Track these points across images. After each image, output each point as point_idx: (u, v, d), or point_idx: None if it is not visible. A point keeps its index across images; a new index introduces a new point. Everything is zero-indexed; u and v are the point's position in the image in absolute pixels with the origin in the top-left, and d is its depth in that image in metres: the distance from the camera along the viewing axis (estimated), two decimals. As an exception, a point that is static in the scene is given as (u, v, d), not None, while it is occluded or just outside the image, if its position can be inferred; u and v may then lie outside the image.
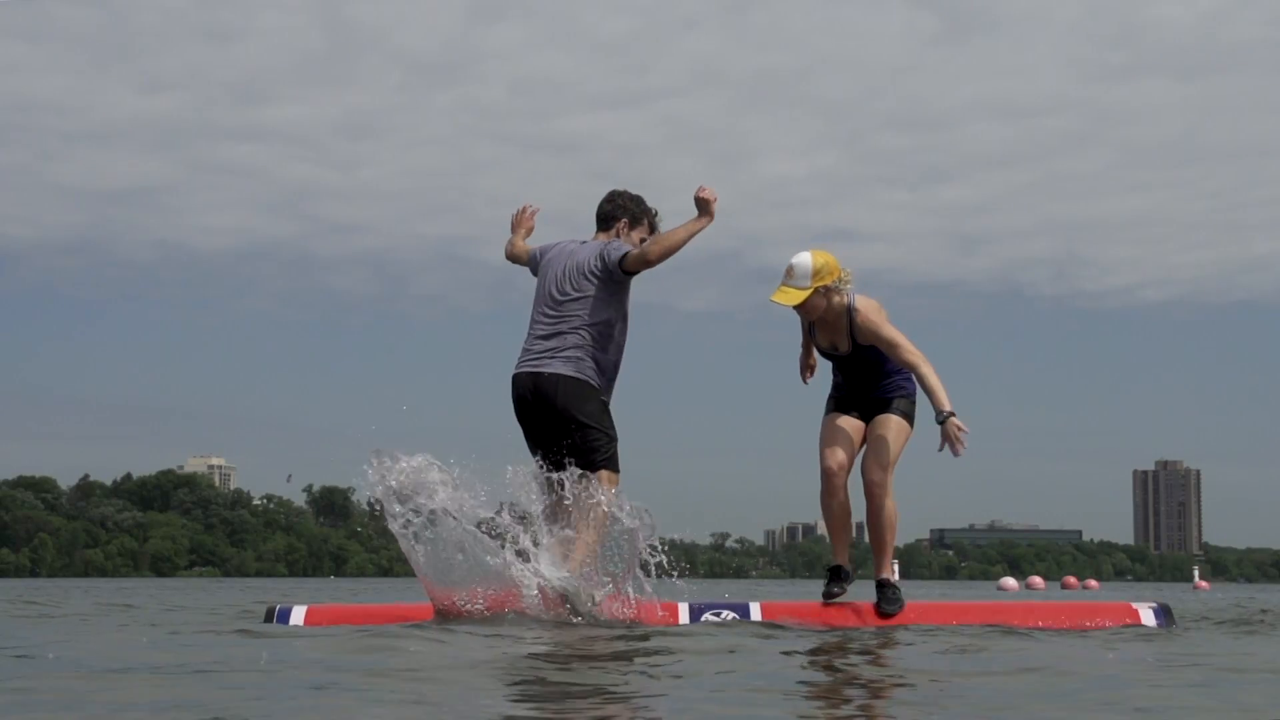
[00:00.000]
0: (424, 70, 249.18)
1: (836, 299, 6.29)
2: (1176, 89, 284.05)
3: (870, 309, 6.29)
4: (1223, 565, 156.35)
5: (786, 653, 4.87)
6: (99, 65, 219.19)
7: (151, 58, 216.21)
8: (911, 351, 6.17)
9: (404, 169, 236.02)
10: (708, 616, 6.25)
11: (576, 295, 6.26)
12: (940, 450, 6.04)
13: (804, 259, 6.25)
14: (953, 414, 6.01)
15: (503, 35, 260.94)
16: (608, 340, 6.28)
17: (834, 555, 6.51)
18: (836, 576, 6.38)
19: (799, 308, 6.32)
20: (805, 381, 6.77)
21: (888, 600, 6.28)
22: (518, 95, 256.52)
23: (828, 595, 6.34)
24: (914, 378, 6.25)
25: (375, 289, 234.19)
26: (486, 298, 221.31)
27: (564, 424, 6.11)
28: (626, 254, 6.23)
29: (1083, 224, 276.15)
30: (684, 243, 6.20)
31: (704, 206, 6.19)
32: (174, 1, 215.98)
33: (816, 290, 6.23)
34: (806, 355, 6.78)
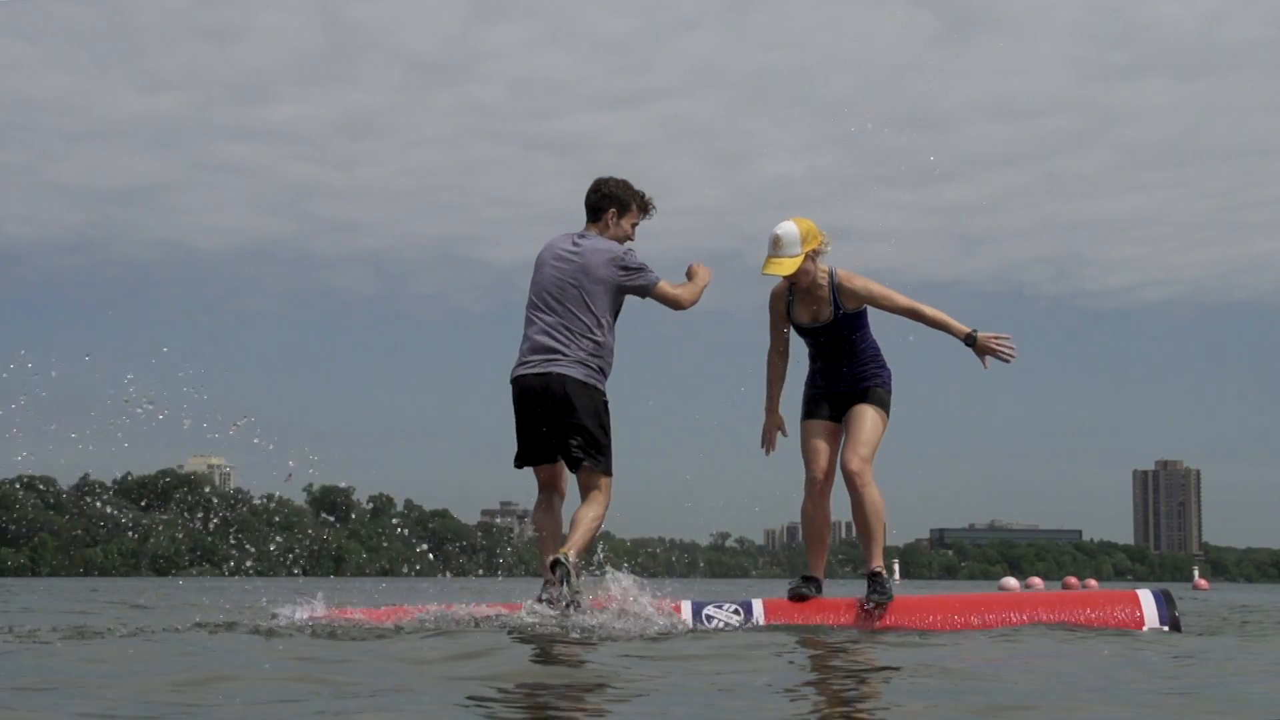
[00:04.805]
0: (424, 70, 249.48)
1: (820, 264, 6.37)
2: (1176, 89, 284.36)
3: (852, 273, 6.38)
4: (1223, 565, 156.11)
5: (786, 652, 4.87)
6: (99, 65, 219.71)
7: (151, 58, 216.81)
8: (904, 297, 6.32)
9: (404, 169, 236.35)
10: (709, 611, 6.24)
11: (583, 296, 6.32)
12: (987, 368, 6.22)
13: (789, 227, 6.31)
14: (975, 330, 6.21)
15: (503, 35, 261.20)
16: (607, 339, 6.39)
17: (809, 567, 6.45)
18: (807, 581, 6.36)
19: (791, 276, 6.35)
20: (768, 453, 6.71)
21: (877, 592, 6.23)
22: (518, 95, 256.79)
23: (794, 594, 6.29)
24: (920, 323, 6.35)
25: (375, 289, 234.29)
26: (486, 297, 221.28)
27: (568, 429, 6.22)
28: (658, 286, 6.42)
29: (1083, 224, 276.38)
30: (702, 293, 6.59)
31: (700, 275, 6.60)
32: (174, 1, 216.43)
33: (806, 255, 6.30)
34: (773, 410, 6.70)
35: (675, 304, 6.49)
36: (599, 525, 6.27)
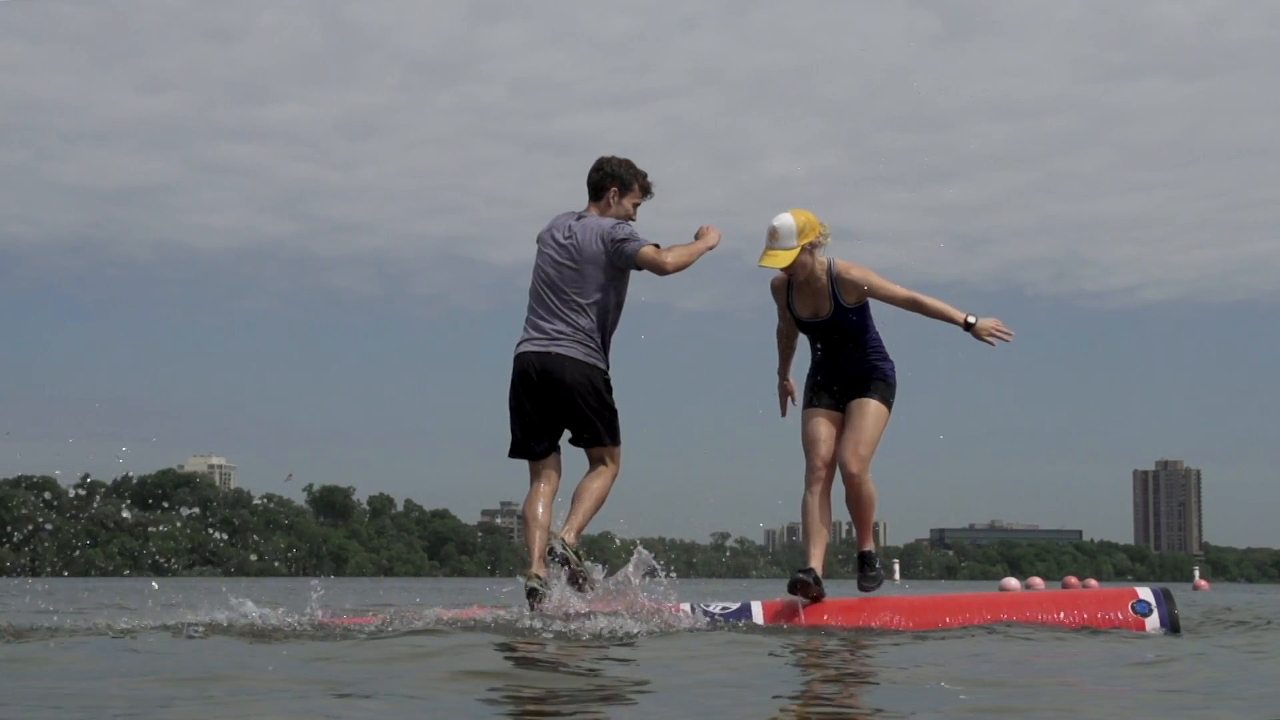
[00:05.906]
0: (424, 70, 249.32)
1: (819, 256, 6.35)
2: (1177, 89, 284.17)
3: (850, 265, 6.36)
4: (1223, 565, 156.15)
5: (785, 652, 4.86)
6: (99, 65, 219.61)
7: (151, 58, 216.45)
8: (903, 289, 6.33)
9: (404, 169, 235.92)
10: (711, 615, 6.22)
11: (579, 277, 6.35)
12: (995, 345, 6.30)
13: (786, 220, 6.30)
14: (972, 316, 6.26)
15: (503, 35, 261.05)
16: (609, 318, 6.42)
17: (807, 559, 6.31)
18: (804, 574, 6.18)
19: (787, 268, 6.33)
20: (783, 414, 6.77)
21: (868, 577, 6.54)
22: (518, 95, 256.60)
23: (795, 583, 6.16)
24: (920, 314, 6.35)
25: (375, 289, 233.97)
26: (486, 297, 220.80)
27: (572, 407, 6.26)
28: (640, 252, 6.32)
29: (1083, 224, 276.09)
30: (698, 258, 6.40)
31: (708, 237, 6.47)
32: (174, 1, 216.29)
33: (803, 248, 6.28)
34: (784, 376, 6.77)
35: (658, 269, 6.32)
36: (603, 498, 6.29)
